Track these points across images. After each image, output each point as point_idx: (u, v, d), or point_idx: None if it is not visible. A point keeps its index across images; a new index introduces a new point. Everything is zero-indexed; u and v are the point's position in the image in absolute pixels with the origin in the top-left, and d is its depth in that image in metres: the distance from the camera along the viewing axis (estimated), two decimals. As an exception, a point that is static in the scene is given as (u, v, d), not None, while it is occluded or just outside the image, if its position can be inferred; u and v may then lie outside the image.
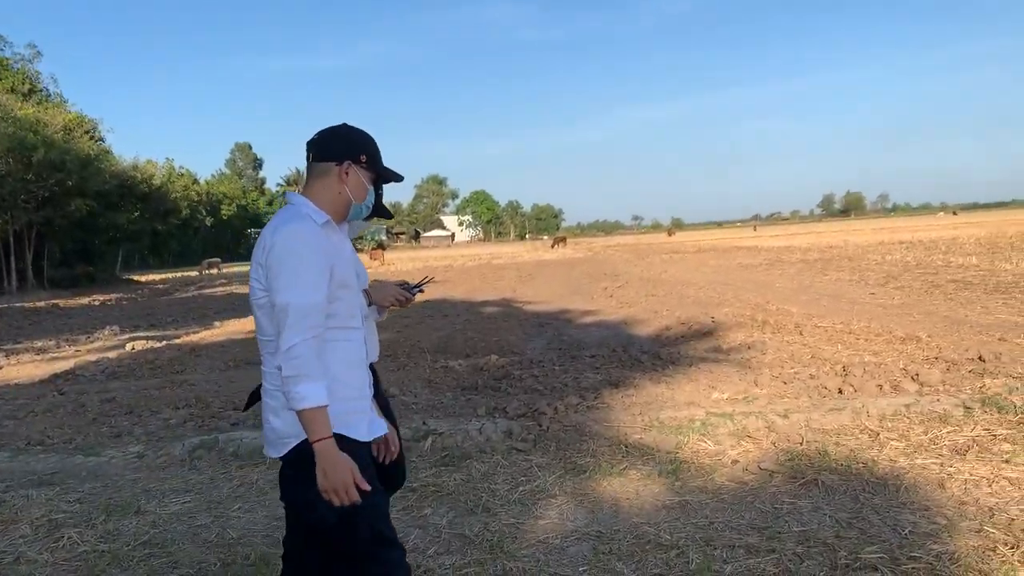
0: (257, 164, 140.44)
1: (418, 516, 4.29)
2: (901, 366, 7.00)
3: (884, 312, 11.73)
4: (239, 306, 22.98)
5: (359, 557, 2.35)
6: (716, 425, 5.42)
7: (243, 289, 33.18)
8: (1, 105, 33.47)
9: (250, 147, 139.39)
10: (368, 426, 2.43)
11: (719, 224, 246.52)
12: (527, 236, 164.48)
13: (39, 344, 15.47)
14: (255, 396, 2.67)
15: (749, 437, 5.23)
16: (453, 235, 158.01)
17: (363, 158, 2.44)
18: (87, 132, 41.48)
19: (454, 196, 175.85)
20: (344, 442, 2.27)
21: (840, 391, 6.20)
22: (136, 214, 46.80)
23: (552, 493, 4.54)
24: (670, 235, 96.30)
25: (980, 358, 7.02)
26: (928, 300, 12.90)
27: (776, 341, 9.04)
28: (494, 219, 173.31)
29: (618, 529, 3.94)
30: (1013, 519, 3.72)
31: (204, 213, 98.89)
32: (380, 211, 2.59)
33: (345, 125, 2.48)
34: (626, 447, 5.19)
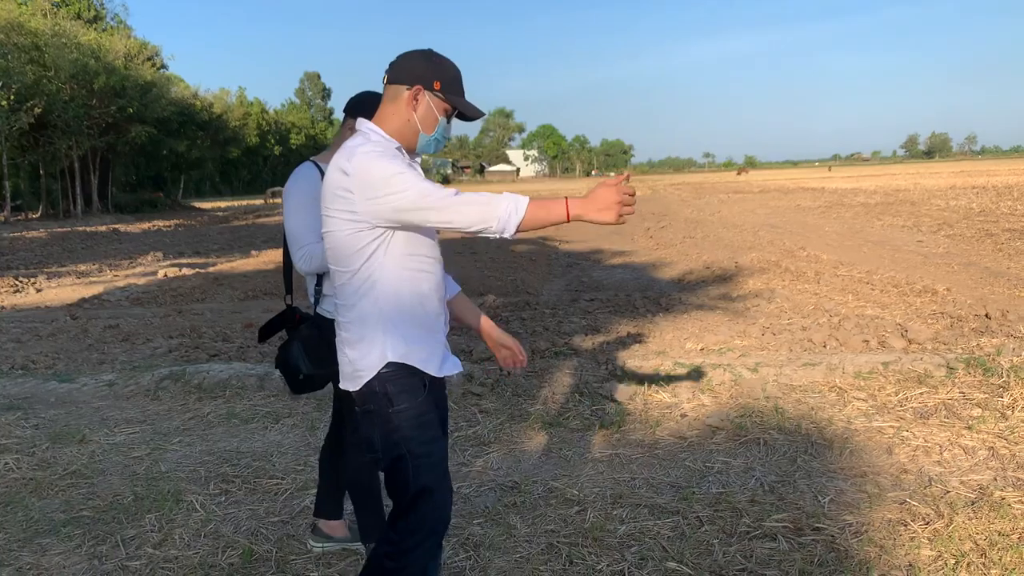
0: (326, 94, 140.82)
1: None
2: (898, 321, 6.63)
3: (923, 261, 11.19)
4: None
5: (401, 503, 2.28)
6: (680, 377, 5.21)
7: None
8: (65, 32, 34.03)
9: (319, 77, 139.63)
10: (440, 363, 2.31)
11: (795, 164, 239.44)
12: (593, 172, 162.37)
13: (82, 268, 15.94)
14: (271, 329, 2.77)
15: (710, 390, 5.02)
16: (518, 170, 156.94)
17: (437, 85, 2.21)
18: (148, 59, 42.05)
19: (520, 130, 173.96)
20: (415, 375, 2.22)
21: (825, 345, 5.90)
22: (197, 141, 47.50)
23: (487, 440, 4.45)
24: (739, 174, 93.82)
25: (986, 315, 6.60)
26: (975, 249, 12.26)
27: (788, 290, 8.69)
28: (560, 154, 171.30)
29: (535, 481, 3.83)
30: (948, 491, 3.47)
31: (273, 142, 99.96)
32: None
33: (429, 50, 2.27)
34: (580, 396, 5.04)
